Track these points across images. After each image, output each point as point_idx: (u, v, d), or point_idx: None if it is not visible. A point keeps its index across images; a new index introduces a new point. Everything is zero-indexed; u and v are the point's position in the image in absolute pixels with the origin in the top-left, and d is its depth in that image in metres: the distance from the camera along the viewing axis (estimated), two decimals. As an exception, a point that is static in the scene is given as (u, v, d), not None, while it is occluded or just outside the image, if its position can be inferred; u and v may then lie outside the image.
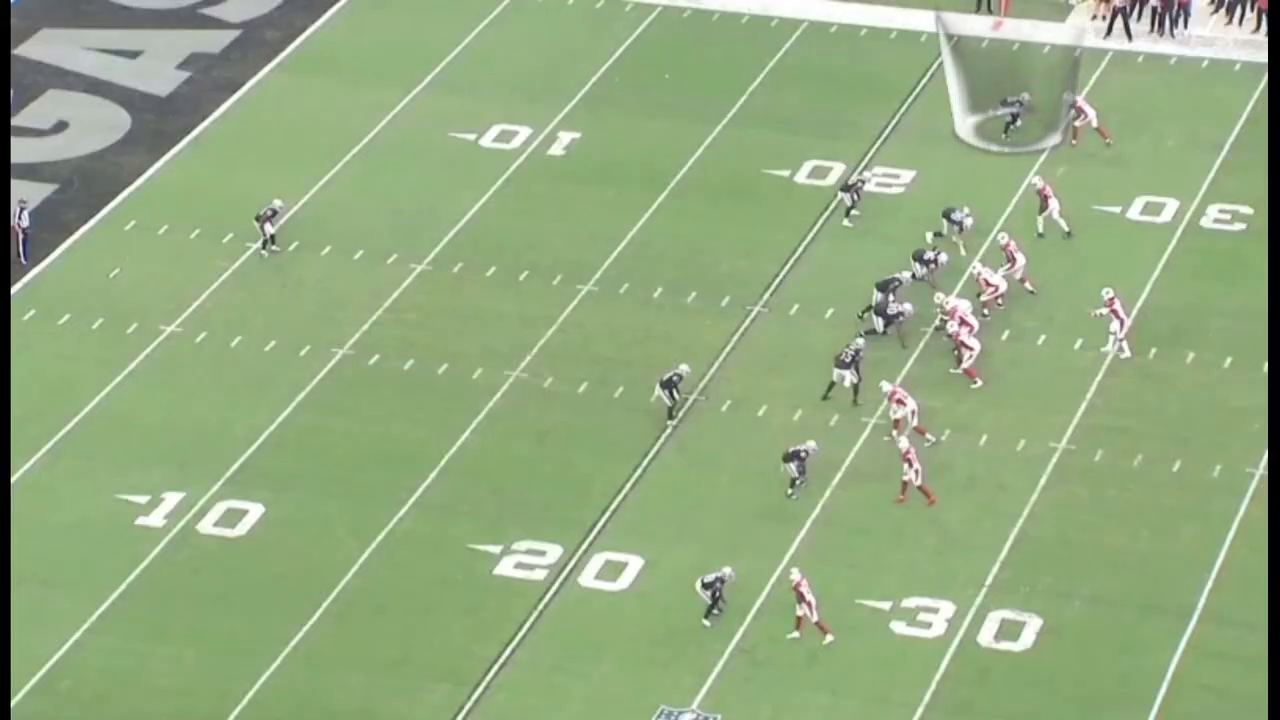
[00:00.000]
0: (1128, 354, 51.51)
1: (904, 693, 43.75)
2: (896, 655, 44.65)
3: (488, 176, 58.50)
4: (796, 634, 44.64)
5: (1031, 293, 53.01)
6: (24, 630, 45.01)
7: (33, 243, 55.74)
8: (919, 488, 47.57)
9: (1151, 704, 43.54)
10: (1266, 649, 44.40)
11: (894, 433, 48.79)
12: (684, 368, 50.19)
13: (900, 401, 49.11)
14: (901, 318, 51.50)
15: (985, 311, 52.18)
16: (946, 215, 55.25)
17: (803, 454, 47.96)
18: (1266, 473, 48.56)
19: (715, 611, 44.95)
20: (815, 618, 44.60)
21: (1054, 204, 55.16)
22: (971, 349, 50.80)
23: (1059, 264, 54.20)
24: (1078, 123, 58.08)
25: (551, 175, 58.66)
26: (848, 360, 50.10)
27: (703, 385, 50.71)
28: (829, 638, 44.56)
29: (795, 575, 44.75)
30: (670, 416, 50.01)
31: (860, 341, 50.71)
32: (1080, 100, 58.42)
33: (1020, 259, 53.04)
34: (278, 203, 55.91)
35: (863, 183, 56.51)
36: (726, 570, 45.08)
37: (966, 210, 55.21)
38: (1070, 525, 47.68)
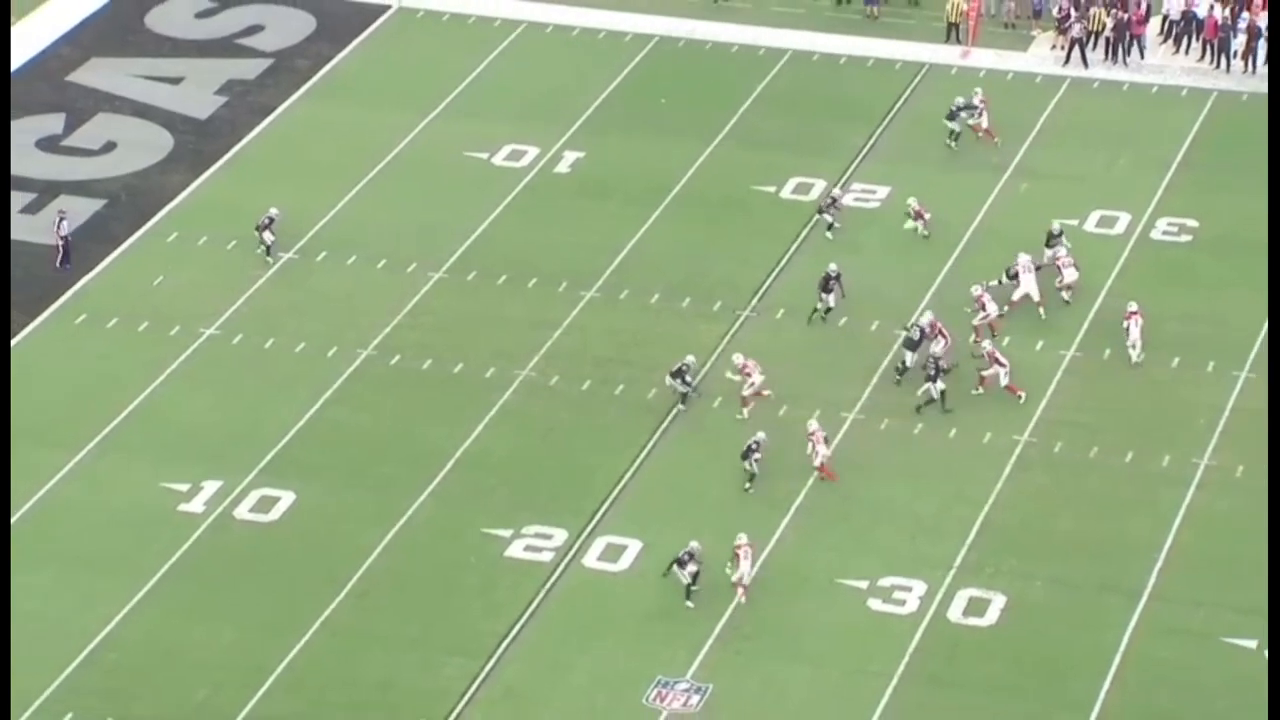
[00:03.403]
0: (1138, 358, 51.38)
1: (880, 664, 43.66)
2: (873, 630, 44.55)
3: (499, 192, 58.43)
4: (743, 599, 44.84)
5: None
6: (75, 608, 45.15)
7: (74, 251, 55.57)
8: (818, 467, 47.39)
9: (1106, 674, 43.44)
10: (1209, 625, 44.41)
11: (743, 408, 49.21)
12: (690, 358, 50.05)
13: (747, 373, 49.48)
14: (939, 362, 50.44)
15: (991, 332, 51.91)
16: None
17: (754, 446, 47.73)
18: (1209, 464, 48.56)
19: (695, 588, 44.74)
20: (745, 580, 44.87)
21: (925, 218, 55.12)
22: (1004, 365, 50.25)
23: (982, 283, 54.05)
24: (973, 121, 59.13)
25: (557, 191, 58.58)
26: (933, 373, 49.80)
27: (696, 383, 50.56)
28: (742, 598, 44.90)
29: (742, 539, 44.87)
30: (684, 402, 49.88)
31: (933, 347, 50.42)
32: (979, 98, 59.35)
33: (1028, 279, 52.71)
34: (274, 210, 55.72)
35: (836, 200, 56.11)
36: (694, 544, 44.99)
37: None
38: (1032, 512, 47.58)
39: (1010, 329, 52.21)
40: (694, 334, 52.38)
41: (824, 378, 51.34)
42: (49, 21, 66.47)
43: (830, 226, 55.63)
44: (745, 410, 49.84)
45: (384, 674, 43.62)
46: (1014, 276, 52.65)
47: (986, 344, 50.64)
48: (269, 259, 55.53)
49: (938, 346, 50.18)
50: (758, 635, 44.46)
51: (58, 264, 55.36)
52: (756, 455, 47.73)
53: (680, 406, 50.02)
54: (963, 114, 59.68)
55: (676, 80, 63.50)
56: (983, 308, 51.78)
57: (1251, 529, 46.91)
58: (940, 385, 49.62)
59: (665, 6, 66.70)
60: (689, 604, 44.90)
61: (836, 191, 56.58)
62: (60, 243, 55.49)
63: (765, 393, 49.96)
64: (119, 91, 63.10)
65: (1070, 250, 53.49)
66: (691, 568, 44.89)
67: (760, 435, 48.09)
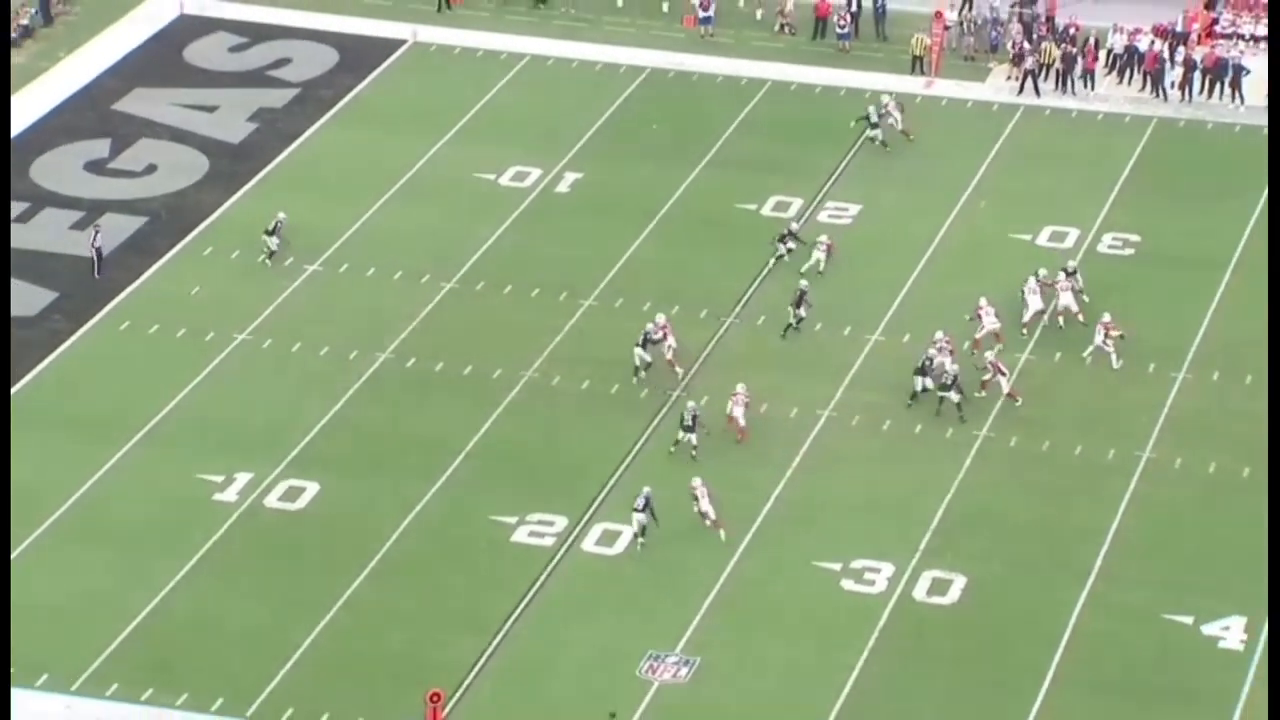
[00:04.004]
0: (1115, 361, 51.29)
1: (852, 639, 43.58)
2: (846, 608, 44.46)
3: (505, 210, 58.31)
4: (720, 533, 45.58)
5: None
6: (123, 586, 45.08)
7: (113, 263, 55.44)
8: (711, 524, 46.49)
9: (1057, 646, 43.36)
10: (1150, 602, 44.35)
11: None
12: (651, 325, 50.57)
13: (664, 335, 50.41)
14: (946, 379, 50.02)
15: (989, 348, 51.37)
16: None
17: (693, 420, 48.22)
18: (1150, 456, 48.50)
19: (648, 530, 45.34)
20: (713, 517, 45.35)
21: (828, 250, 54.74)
22: (1005, 373, 49.93)
23: (980, 284, 53.89)
24: (891, 121, 59.49)
25: (558, 209, 58.45)
26: (948, 380, 49.43)
27: (684, 383, 50.43)
28: (722, 533, 45.55)
29: (695, 481, 45.58)
30: (638, 376, 50.31)
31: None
32: (890, 103, 59.89)
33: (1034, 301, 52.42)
34: (281, 215, 55.81)
35: (794, 232, 55.74)
36: (646, 489, 45.45)
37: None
38: (990, 500, 47.50)
39: (971, 334, 52.09)
40: (681, 339, 52.22)
41: (801, 378, 51.26)
42: (96, 55, 66.34)
43: (779, 256, 55.19)
44: (678, 369, 50.32)
45: (401, 648, 43.51)
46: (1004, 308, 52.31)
47: (989, 354, 50.38)
48: (268, 263, 55.44)
49: (948, 361, 49.71)
50: (740, 614, 44.35)
51: (95, 274, 55.26)
52: (695, 429, 48.04)
53: (634, 379, 50.12)
54: (886, 120, 59.84)
55: (666, 108, 63.41)
56: (980, 319, 51.46)
57: (1189, 515, 46.98)
58: (955, 395, 49.35)
59: (656, 41, 66.66)
60: (641, 540, 45.61)
61: (794, 225, 56.28)
62: (94, 253, 55.36)
63: (674, 361, 50.37)
64: (159, 119, 62.97)
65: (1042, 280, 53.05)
66: (641, 517, 45.44)
67: (691, 403, 48.35)
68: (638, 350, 50.69)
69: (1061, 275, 52.84)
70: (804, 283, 52.78)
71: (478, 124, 62.71)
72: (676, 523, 46.53)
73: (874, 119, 60.22)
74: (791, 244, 55.38)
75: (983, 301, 51.91)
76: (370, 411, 50.56)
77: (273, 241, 55.61)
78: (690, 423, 48.48)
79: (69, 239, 56.69)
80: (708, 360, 51.79)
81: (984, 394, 49.92)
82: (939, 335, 50.35)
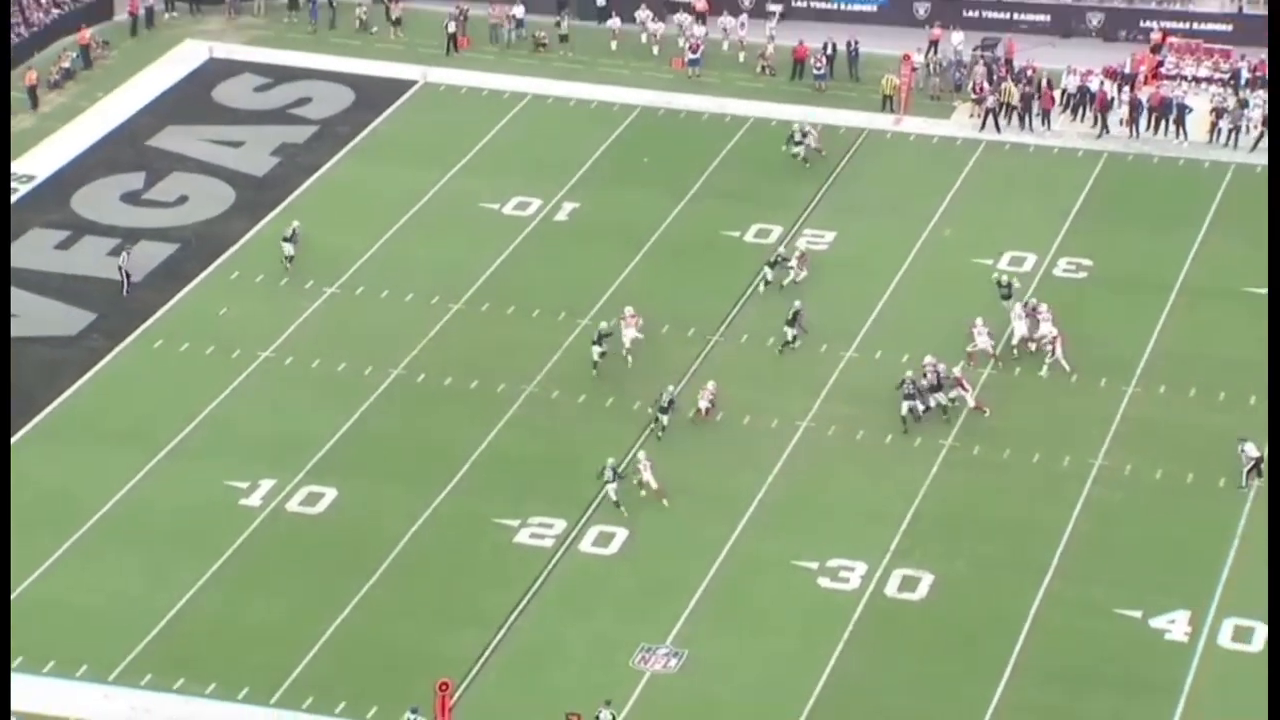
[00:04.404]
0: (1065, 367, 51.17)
1: (829, 632, 43.51)
2: (822, 603, 44.38)
3: (508, 237, 58.23)
4: (664, 501, 46.46)
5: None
6: (156, 585, 44.99)
7: (144, 284, 55.41)
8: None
9: (1016, 639, 43.31)
10: (1103, 598, 44.27)
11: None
12: (604, 324, 51.08)
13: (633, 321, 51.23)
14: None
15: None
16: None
17: (666, 401, 48.85)
18: (1103, 463, 48.43)
19: (616, 501, 46.24)
20: (655, 486, 46.37)
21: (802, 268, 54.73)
22: (967, 389, 49.74)
23: (944, 303, 53.86)
24: (809, 141, 60.56)
25: (557, 236, 58.36)
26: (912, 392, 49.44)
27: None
28: (665, 501, 46.39)
29: (641, 455, 46.67)
30: (595, 367, 50.87)
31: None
32: (810, 129, 60.56)
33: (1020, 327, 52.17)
34: (296, 223, 56.01)
35: (785, 259, 55.71)
36: (610, 460, 46.24)
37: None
38: (956, 504, 47.42)
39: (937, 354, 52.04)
40: (671, 356, 52.19)
41: (781, 392, 51.16)
42: (132, 96, 66.28)
43: (767, 282, 55.09)
44: (629, 359, 51.26)
45: (412, 642, 43.40)
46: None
47: (956, 369, 50.31)
48: (287, 265, 55.71)
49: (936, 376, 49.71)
50: (726, 608, 44.26)
51: (123, 292, 55.18)
52: (669, 412, 48.66)
53: (593, 372, 50.83)
54: (805, 140, 60.60)
55: (656, 143, 63.35)
56: (973, 338, 51.27)
57: (1138, 518, 46.92)
58: (941, 399, 49.36)
59: (647, 82, 66.64)
60: (623, 510, 46.23)
61: (783, 250, 56.26)
62: (123, 274, 55.37)
63: (629, 351, 51.24)
64: (190, 153, 62.88)
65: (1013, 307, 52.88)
66: (613, 486, 46.20)
67: (671, 387, 48.97)
68: (595, 347, 51.01)
69: (1034, 304, 52.54)
70: (797, 302, 52.58)
71: (483, 158, 62.66)
72: (667, 524, 46.46)
73: (797, 139, 60.71)
74: (778, 268, 55.32)
75: (978, 322, 51.80)
76: (384, 423, 50.45)
77: (289, 247, 55.83)
78: (666, 405, 48.88)
79: (107, 265, 56.57)
80: (696, 375, 51.65)
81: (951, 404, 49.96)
82: (928, 360, 50.17)
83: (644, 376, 51.07)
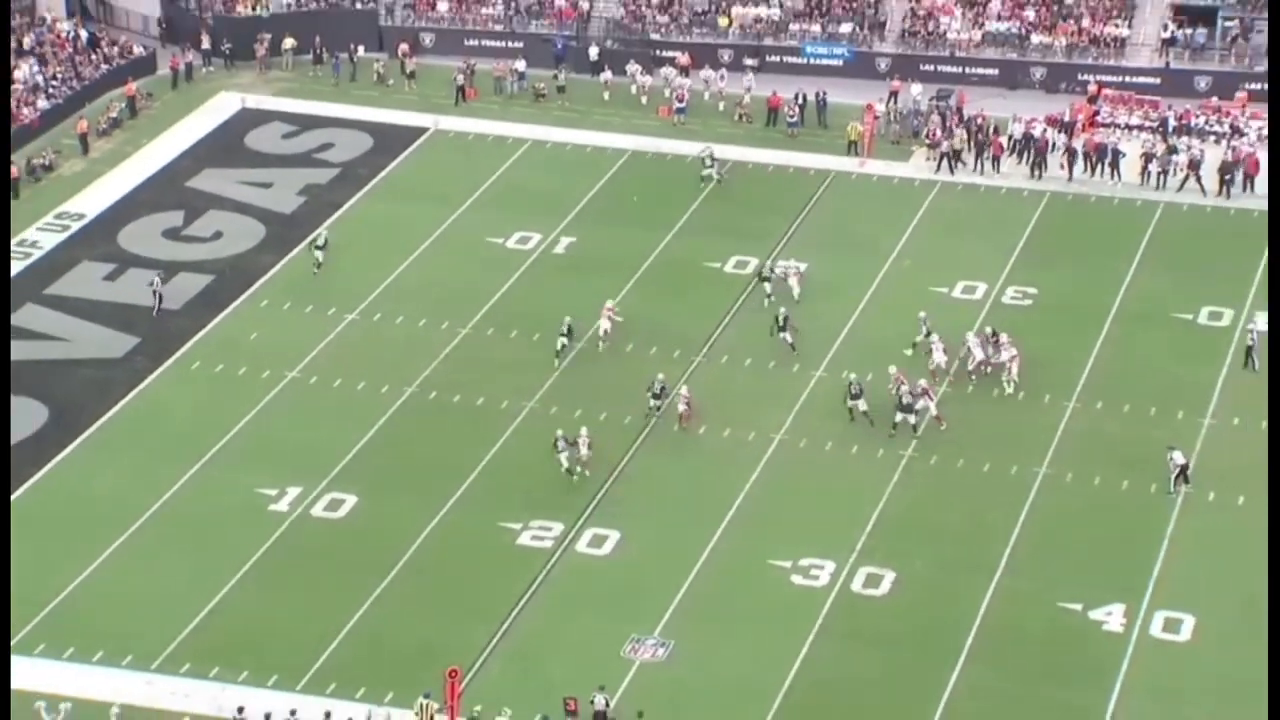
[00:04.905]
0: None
1: (800, 624, 43.42)
2: (794, 598, 44.29)
3: (511, 268, 58.15)
4: (586, 472, 47.69)
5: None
6: (192, 584, 44.79)
7: (181, 314, 55.32)
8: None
9: (970, 630, 43.24)
10: (1047, 592, 44.21)
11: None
12: (569, 317, 52.20)
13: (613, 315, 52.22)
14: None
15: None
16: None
17: (658, 388, 49.65)
18: (1047, 472, 48.39)
19: (575, 469, 47.10)
20: (585, 458, 47.74)
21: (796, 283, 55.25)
22: (932, 399, 49.76)
23: (906, 326, 53.81)
24: (715, 166, 61.52)
25: (556, 267, 58.28)
26: (857, 392, 49.60)
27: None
28: (588, 472, 47.53)
29: (583, 430, 47.93)
30: (558, 356, 51.90)
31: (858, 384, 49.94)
32: (711, 150, 61.90)
33: (977, 352, 51.95)
34: (325, 232, 56.80)
35: (773, 272, 55.98)
36: (559, 432, 47.20)
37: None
38: (915, 508, 47.34)
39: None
40: (658, 375, 52.09)
41: (758, 407, 51.08)
42: (173, 141, 66.22)
43: (769, 296, 55.23)
44: (601, 345, 52.56)
45: (424, 633, 43.26)
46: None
47: (922, 381, 50.28)
48: (315, 270, 56.43)
49: (904, 388, 49.58)
50: (708, 603, 44.15)
51: (154, 312, 55.11)
52: (662, 398, 49.38)
53: (556, 361, 51.28)
54: (710, 165, 61.41)
55: (644, 183, 63.31)
56: (932, 354, 51.22)
57: (1078, 520, 46.85)
58: (911, 417, 49.21)
59: (636, 129, 66.62)
60: (574, 477, 46.97)
61: (770, 266, 56.38)
62: (155, 297, 55.36)
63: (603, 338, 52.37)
64: (225, 194, 62.80)
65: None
66: (563, 455, 47.21)
67: (661, 375, 49.68)
68: (561, 338, 52.18)
69: (993, 331, 52.40)
70: (782, 309, 52.61)
71: (488, 197, 62.60)
72: (655, 527, 46.37)
73: (707, 163, 61.72)
74: (767, 285, 55.45)
75: (935, 338, 51.79)
76: (399, 436, 50.32)
77: (319, 254, 56.30)
78: (658, 392, 49.61)
79: (149, 295, 56.45)
80: (680, 392, 51.57)
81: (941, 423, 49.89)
82: (893, 370, 50.23)
83: (634, 394, 50.96)
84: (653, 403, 49.89)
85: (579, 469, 47.69)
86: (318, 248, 56.95)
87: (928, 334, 52.37)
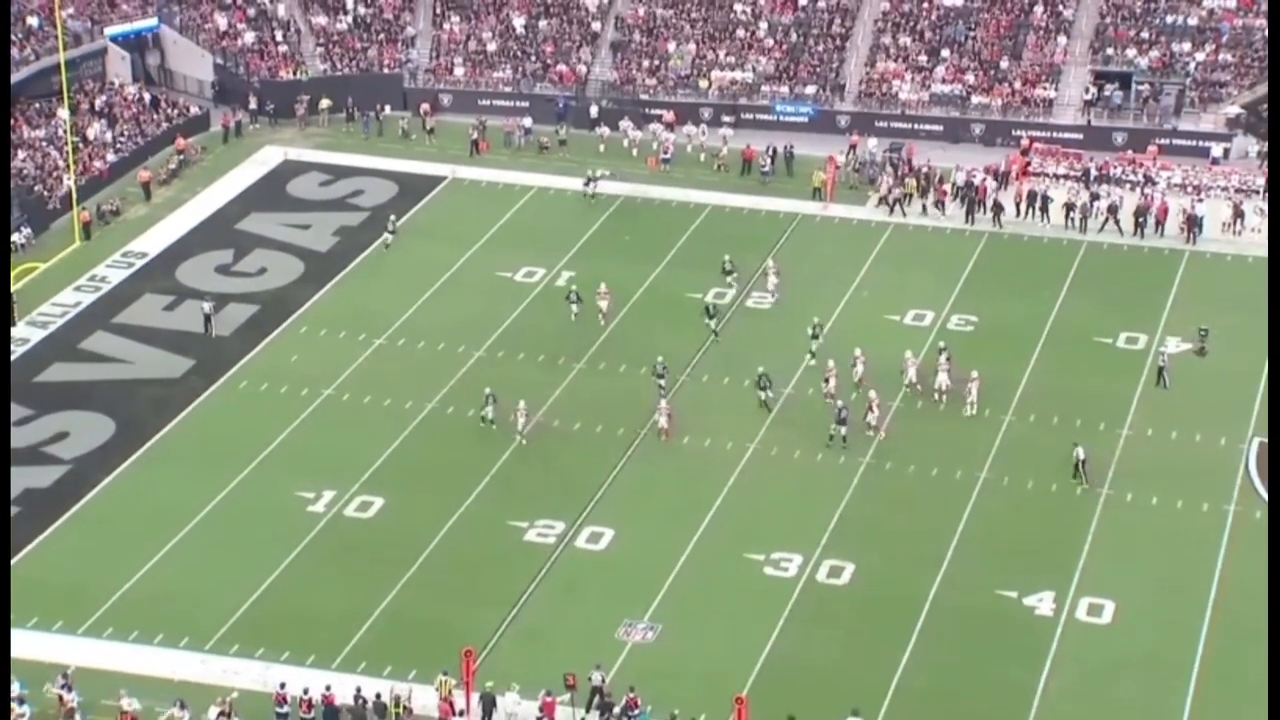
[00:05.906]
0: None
1: (771, 611, 43.38)
2: (766, 588, 44.24)
3: (518, 298, 58.07)
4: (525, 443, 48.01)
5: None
6: (237, 576, 44.65)
7: (230, 340, 55.04)
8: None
9: (919, 616, 43.22)
10: (987, 582, 44.17)
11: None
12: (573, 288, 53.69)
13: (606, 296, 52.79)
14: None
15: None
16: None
17: (660, 369, 50.49)
18: (986, 476, 48.39)
19: (518, 433, 47.48)
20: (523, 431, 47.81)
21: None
22: (876, 410, 49.76)
23: (864, 349, 53.72)
24: (604, 177, 62.42)
25: (557, 297, 58.19)
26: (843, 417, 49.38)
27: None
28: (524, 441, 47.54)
29: (520, 403, 48.31)
30: (575, 317, 53.08)
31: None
32: (601, 173, 62.22)
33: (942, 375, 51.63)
34: (393, 217, 59.75)
35: (733, 268, 56.78)
36: (487, 389, 48.68)
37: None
38: (872, 509, 47.31)
39: (857, 388, 51.91)
40: (648, 393, 52.07)
41: (734, 420, 51.03)
42: (224, 189, 66.12)
43: (714, 332, 54.87)
44: (602, 321, 53.95)
45: (443, 618, 43.19)
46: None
47: (872, 393, 50.20)
48: (385, 248, 59.68)
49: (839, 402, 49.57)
50: (691, 591, 44.09)
51: (204, 331, 55.08)
52: (664, 376, 50.27)
53: (661, 387, 51.29)
54: (596, 181, 62.60)
55: (636, 225, 63.26)
56: (856, 366, 51.45)
57: (1014, 518, 46.86)
58: (844, 429, 49.20)
59: (628, 177, 66.56)
60: (522, 441, 47.72)
61: (726, 259, 57.00)
62: (205, 319, 55.41)
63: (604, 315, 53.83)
64: (268, 234, 62.70)
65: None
66: (490, 411, 48.27)
67: (660, 357, 50.94)
68: (572, 306, 53.90)
69: (942, 357, 52.19)
70: (760, 368, 51.20)
71: (498, 237, 62.54)
72: (645, 526, 46.29)
73: (593, 179, 63.47)
74: (730, 279, 56.74)
75: (857, 351, 51.91)
76: (422, 445, 50.23)
77: (389, 237, 59.02)
78: (661, 372, 50.63)
79: (201, 322, 56.37)
80: (662, 406, 51.50)
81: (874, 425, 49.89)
82: (830, 364, 50.53)
83: (628, 412, 50.91)
84: (659, 382, 50.69)
85: (599, 320, 50.74)
86: (389, 231, 59.75)
87: (817, 352, 52.41)
